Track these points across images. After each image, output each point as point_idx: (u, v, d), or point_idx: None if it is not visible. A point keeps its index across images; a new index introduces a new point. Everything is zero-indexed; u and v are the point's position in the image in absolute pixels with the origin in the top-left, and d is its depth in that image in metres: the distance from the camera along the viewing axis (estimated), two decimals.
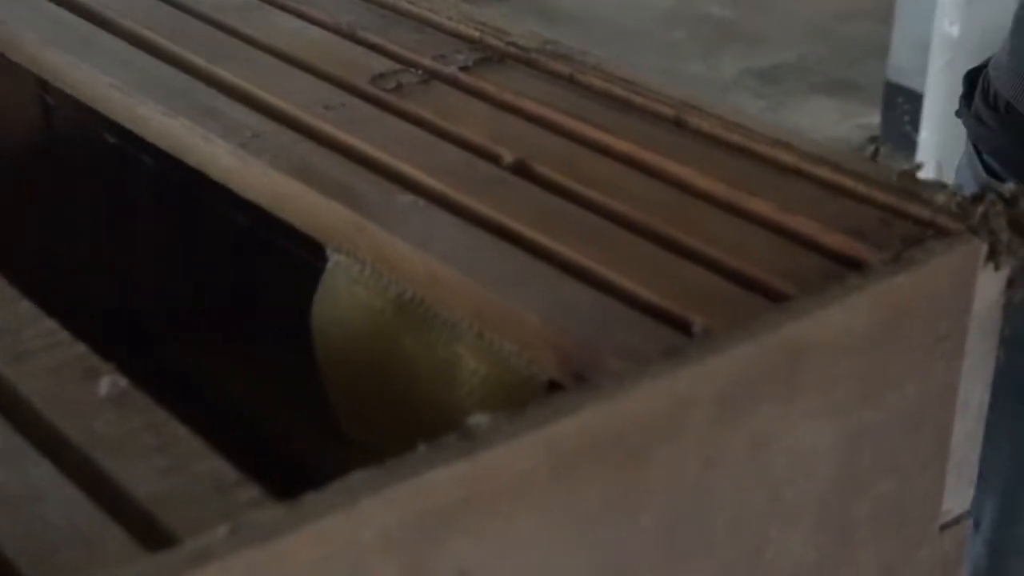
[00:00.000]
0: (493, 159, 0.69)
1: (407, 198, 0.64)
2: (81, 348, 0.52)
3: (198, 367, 0.91)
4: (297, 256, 0.71)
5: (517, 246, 0.61)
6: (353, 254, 0.63)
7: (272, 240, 0.74)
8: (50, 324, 0.54)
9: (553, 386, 0.57)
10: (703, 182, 0.67)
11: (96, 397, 0.50)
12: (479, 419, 0.47)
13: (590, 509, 0.51)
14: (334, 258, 0.64)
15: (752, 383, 0.54)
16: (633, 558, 0.53)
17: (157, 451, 0.47)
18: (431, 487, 0.46)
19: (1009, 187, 0.62)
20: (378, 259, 0.62)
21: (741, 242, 0.62)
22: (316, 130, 0.71)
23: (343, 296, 0.63)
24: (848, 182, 0.66)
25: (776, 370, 0.55)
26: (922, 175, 0.66)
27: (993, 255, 0.61)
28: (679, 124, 0.72)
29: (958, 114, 1.05)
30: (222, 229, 0.86)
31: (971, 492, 0.66)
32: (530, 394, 0.57)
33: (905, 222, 0.63)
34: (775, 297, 0.58)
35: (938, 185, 0.65)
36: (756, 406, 0.55)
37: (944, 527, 0.65)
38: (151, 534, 0.44)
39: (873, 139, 2.70)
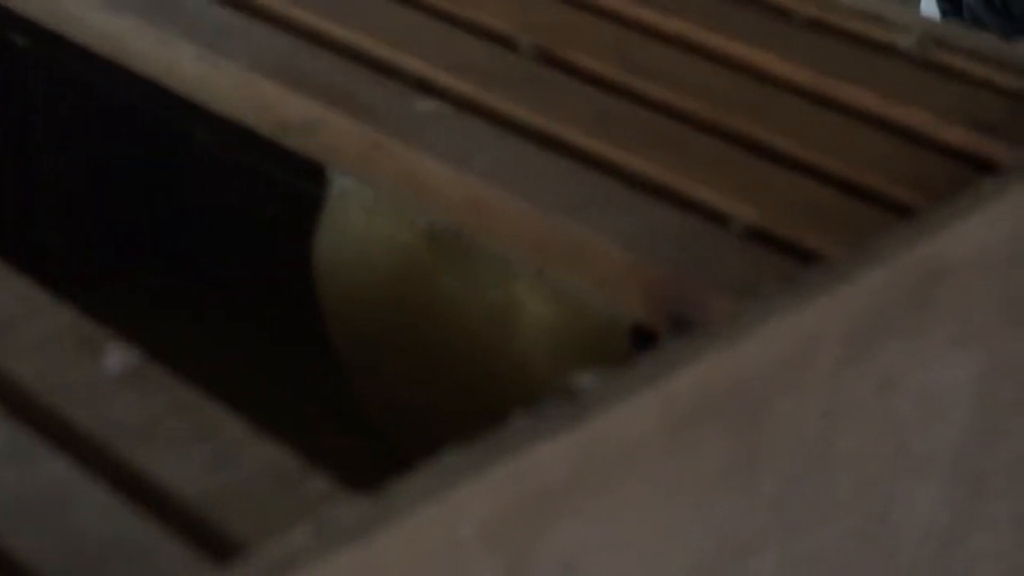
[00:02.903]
0: (520, 50, 0.70)
1: (427, 104, 0.65)
2: (68, 314, 0.53)
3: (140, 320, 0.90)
4: (281, 180, 0.72)
5: (574, 159, 0.63)
6: (366, 178, 0.64)
7: (244, 161, 0.74)
8: (21, 284, 0.54)
9: (637, 331, 0.59)
10: (782, 68, 0.69)
11: (103, 375, 0.51)
12: (584, 378, 0.48)
13: (707, 478, 0.53)
14: (339, 183, 0.65)
15: (882, 315, 0.56)
16: (751, 530, 0.55)
17: (195, 439, 0.48)
18: (537, 465, 0.47)
19: None
20: (402, 183, 0.63)
21: (842, 142, 0.64)
22: (297, 22, 0.71)
23: (357, 229, 0.64)
24: (957, 61, 0.68)
25: (908, 298, 0.57)
26: None
27: None
28: None
29: None
30: (176, 150, 0.85)
31: None
32: (611, 341, 0.58)
33: None
34: (896, 208, 0.60)
35: None
36: (885, 342, 0.57)
37: None
38: (213, 542, 0.45)
39: None
